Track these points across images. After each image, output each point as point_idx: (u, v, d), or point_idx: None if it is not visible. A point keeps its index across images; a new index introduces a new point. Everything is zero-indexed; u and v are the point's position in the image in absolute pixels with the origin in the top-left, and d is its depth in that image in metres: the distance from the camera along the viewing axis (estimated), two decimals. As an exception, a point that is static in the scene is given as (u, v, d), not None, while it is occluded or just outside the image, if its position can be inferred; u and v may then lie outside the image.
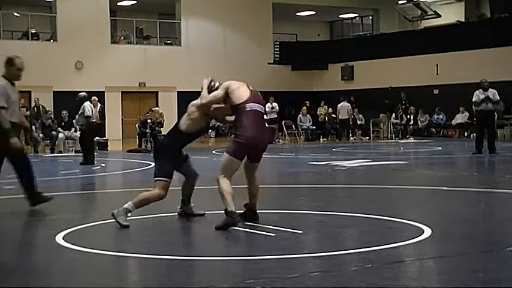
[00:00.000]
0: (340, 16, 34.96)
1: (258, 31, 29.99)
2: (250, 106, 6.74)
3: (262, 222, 6.78)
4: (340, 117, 26.07)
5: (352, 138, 26.16)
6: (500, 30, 24.88)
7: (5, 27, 26.76)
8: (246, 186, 6.99)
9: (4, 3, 27.71)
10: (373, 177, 12.10)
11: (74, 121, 20.21)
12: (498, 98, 16.47)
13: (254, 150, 6.78)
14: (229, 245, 6.14)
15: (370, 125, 26.76)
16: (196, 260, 5.54)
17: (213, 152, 17.92)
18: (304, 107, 26.15)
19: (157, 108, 23.29)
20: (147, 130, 21.11)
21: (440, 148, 19.54)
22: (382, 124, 27.09)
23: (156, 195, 6.89)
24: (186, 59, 28.29)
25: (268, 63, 30.37)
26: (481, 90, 16.24)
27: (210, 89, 7.05)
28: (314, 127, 26.23)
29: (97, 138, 18.94)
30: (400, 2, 30.39)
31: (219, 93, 6.91)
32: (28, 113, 22.74)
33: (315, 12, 33.26)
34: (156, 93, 28.36)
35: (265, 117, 7.04)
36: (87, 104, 15.41)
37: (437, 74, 26.03)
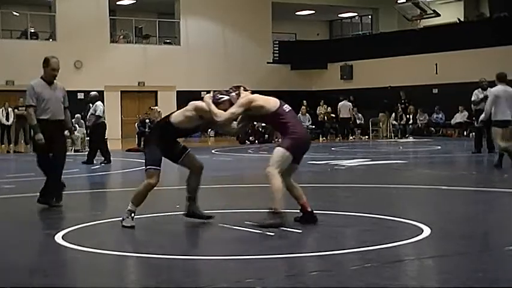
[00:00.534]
0: (339, 15, 34.96)
1: (257, 30, 29.99)
2: (287, 107, 6.76)
3: (262, 222, 6.77)
4: (341, 116, 26.05)
5: (351, 138, 26.17)
6: (500, 30, 24.88)
7: (4, 26, 26.77)
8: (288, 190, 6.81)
9: (3, 3, 27.68)
10: (372, 177, 12.11)
11: (80, 120, 20.32)
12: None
13: (305, 146, 6.79)
14: (229, 244, 6.14)
15: (370, 125, 26.77)
16: (196, 259, 5.54)
17: (213, 151, 17.91)
18: (303, 106, 26.17)
19: (156, 108, 23.30)
20: (146, 129, 21.11)
21: (439, 147, 19.55)
22: (381, 123, 27.09)
23: (147, 185, 6.73)
24: (185, 59, 28.29)
25: (268, 63, 30.37)
26: (480, 89, 16.23)
27: (216, 103, 6.76)
28: (313, 126, 26.24)
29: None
30: (399, 1, 30.39)
31: (237, 110, 6.66)
32: (26, 112, 22.74)
33: (314, 12, 33.27)
34: (156, 92, 28.37)
35: None
36: (99, 103, 15.55)
37: (436, 73, 26.04)
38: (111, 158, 15.46)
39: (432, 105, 26.10)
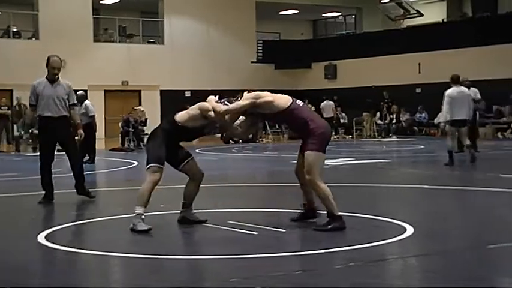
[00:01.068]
0: (323, 15, 35.03)
1: (241, 30, 29.98)
2: (299, 103, 6.59)
3: (246, 221, 6.78)
4: (324, 116, 26.08)
5: (335, 137, 26.22)
6: (482, 30, 25.05)
7: (-14, 25, 26.59)
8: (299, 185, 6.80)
9: (-15, 1, 27.51)
10: (356, 176, 12.15)
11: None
12: (479, 96, 16.57)
13: (329, 137, 6.61)
14: (214, 244, 6.14)
15: (353, 124, 26.84)
16: (180, 259, 5.53)
17: (197, 150, 17.89)
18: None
19: (139, 107, 23.23)
20: (130, 129, 21.05)
21: (422, 146, 19.65)
22: (365, 123, 27.18)
23: (151, 183, 6.50)
24: (169, 58, 28.23)
25: (252, 62, 30.38)
26: (462, 89, 16.31)
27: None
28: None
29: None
30: (382, 1, 30.52)
31: (242, 103, 6.51)
32: (9, 111, 22.59)
33: (298, 11, 33.31)
34: (139, 92, 28.28)
35: None
36: (88, 103, 15.55)
37: (419, 72, 26.16)
38: (95, 158, 15.40)
39: (415, 104, 26.23)
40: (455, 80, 13.49)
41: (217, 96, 6.75)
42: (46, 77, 8.76)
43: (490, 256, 5.52)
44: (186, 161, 6.80)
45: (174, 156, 6.73)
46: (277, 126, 25.91)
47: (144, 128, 21.81)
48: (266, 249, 5.68)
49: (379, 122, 26.85)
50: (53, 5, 26.44)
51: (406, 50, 26.62)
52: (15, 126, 22.98)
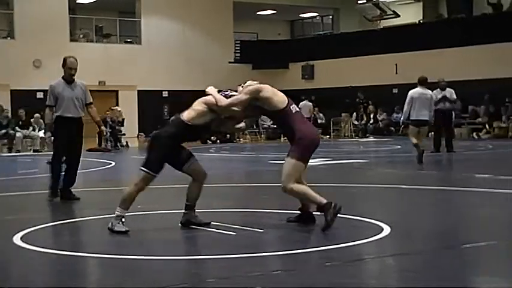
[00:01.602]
0: (300, 15, 35.11)
1: (218, 30, 29.95)
2: (294, 107, 6.56)
3: (224, 221, 6.78)
4: (302, 116, 26.15)
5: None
6: (458, 31, 25.27)
7: (-40, 24, 26.29)
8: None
9: (-41, 0, 27.20)
10: (334, 176, 12.19)
11: (39, 120, 20.04)
12: (455, 97, 16.73)
13: (315, 147, 6.61)
14: (191, 245, 6.13)
15: (331, 124, 26.93)
16: (157, 259, 5.51)
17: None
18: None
19: (116, 107, 23.13)
20: (108, 129, 20.95)
21: (399, 147, 19.77)
22: (343, 123, 27.28)
23: (136, 189, 6.45)
24: (146, 58, 28.12)
25: (229, 62, 30.35)
26: (438, 89, 16.47)
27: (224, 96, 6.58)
28: (275, 126, 26.27)
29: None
30: (359, 2, 30.68)
31: (243, 97, 6.45)
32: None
33: (275, 11, 33.36)
34: (116, 92, 28.13)
35: None
36: None
37: (396, 73, 26.32)
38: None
39: (392, 105, 26.37)
40: (421, 82, 14.10)
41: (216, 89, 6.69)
42: (62, 78, 8.91)
43: (466, 255, 5.58)
44: (189, 162, 6.67)
45: (177, 157, 6.59)
46: (254, 126, 25.93)
47: (122, 128, 21.74)
48: (244, 249, 5.68)
49: (355, 122, 26.97)
50: (29, 4, 26.20)
51: (383, 50, 26.77)
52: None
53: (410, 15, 30.51)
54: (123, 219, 6.41)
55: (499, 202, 8.51)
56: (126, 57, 27.99)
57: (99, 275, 5.23)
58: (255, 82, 6.65)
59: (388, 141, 22.94)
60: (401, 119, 14.60)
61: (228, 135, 24.26)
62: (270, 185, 10.92)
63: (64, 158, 8.90)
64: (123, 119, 21.85)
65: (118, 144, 21.20)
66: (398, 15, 29.59)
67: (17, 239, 6.15)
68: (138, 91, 27.86)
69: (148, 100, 27.06)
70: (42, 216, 7.77)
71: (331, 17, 34.53)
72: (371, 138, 24.98)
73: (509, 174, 11.07)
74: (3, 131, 20.46)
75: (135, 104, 27.59)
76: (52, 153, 8.98)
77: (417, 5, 31.57)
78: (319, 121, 27.27)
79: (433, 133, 16.95)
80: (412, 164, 13.81)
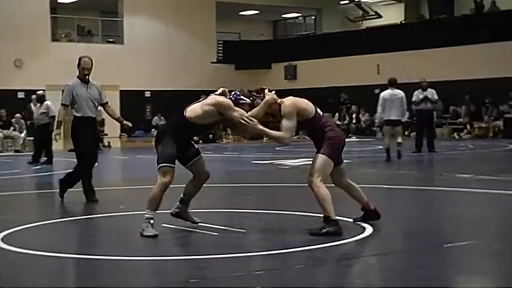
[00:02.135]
0: (283, 16, 35.15)
1: (201, 30, 29.91)
2: (319, 111, 6.55)
3: (206, 222, 6.77)
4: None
5: (295, 138, 26.33)
6: (439, 31, 25.43)
7: None
8: (347, 192, 6.78)
9: None
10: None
11: (20, 120, 19.88)
12: (437, 97, 16.83)
13: (342, 148, 6.58)
14: (172, 245, 6.12)
15: (313, 124, 26.94)
16: (140, 260, 5.50)
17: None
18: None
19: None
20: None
21: (381, 147, 19.81)
22: (326, 123, 27.31)
23: (161, 185, 6.25)
24: (129, 58, 28.01)
25: (212, 62, 30.32)
26: (420, 90, 16.57)
27: (236, 102, 6.34)
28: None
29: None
30: (342, 2, 30.76)
31: (292, 123, 6.30)
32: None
33: (258, 12, 33.37)
34: (98, 91, 27.99)
35: None
36: (49, 103, 15.43)
37: (378, 73, 26.42)
38: (53, 159, 15.24)
39: (374, 105, 26.37)
40: (391, 83, 14.78)
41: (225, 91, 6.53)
42: (78, 77, 8.96)
43: (447, 255, 5.61)
44: (195, 159, 6.57)
45: (184, 153, 6.48)
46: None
47: (103, 128, 21.62)
48: (226, 249, 5.68)
49: (338, 122, 27.04)
50: (9, 3, 26.00)
51: (365, 51, 26.86)
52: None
53: (393, 15, 30.64)
54: (152, 222, 6.24)
55: (479, 202, 8.58)
56: (108, 57, 27.83)
57: (78, 276, 5.20)
58: (272, 92, 6.47)
59: (371, 141, 23.03)
60: (376, 120, 15.31)
61: (210, 136, 24.25)
62: (252, 185, 10.93)
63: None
64: (103, 119, 21.73)
65: (100, 144, 21.09)
66: (380, 16, 29.71)
67: (-3, 240, 6.11)
68: (121, 91, 27.73)
69: (130, 100, 26.94)
70: (24, 216, 7.71)
71: (313, 17, 34.60)
72: (353, 139, 25.07)
73: (489, 174, 11.16)
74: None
75: (117, 104, 27.42)
76: (76, 154, 8.91)
77: (399, 5, 31.72)
78: (301, 121, 27.33)
79: (414, 133, 17.04)
80: (394, 164, 13.88)
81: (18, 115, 20.94)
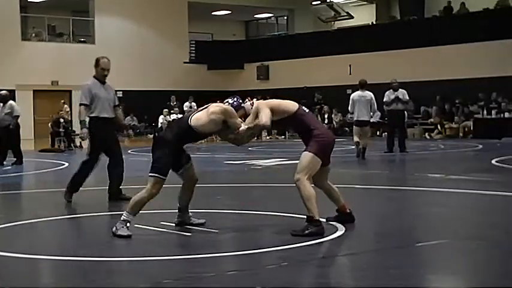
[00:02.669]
0: (255, 16, 35.20)
1: (173, 30, 29.84)
2: (305, 109, 6.53)
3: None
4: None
5: (268, 138, 26.38)
6: (410, 32, 25.65)
7: None
8: (325, 193, 6.74)
9: None
10: (288, 176, 12.13)
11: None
12: (408, 98, 16.96)
13: (332, 147, 6.59)
14: (146, 245, 6.09)
15: (286, 124, 26.98)
16: (112, 260, 5.47)
17: (129, 151, 17.71)
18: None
19: (65, 106, 22.78)
20: (61, 129, 20.71)
21: (353, 147, 19.93)
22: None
23: (148, 195, 6.26)
24: (100, 58, 27.83)
25: (184, 63, 30.27)
26: (391, 90, 16.68)
27: (236, 108, 6.38)
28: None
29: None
30: (314, 3, 30.89)
31: (267, 122, 6.25)
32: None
33: (230, 12, 33.38)
34: (70, 92, 27.77)
35: None
36: (14, 103, 15.22)
37: (350, 74, 26.57)
38: (23, 159, 15.05)
39: (346, 105, 26.46)
40: (361, 85, 15.36)
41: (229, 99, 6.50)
42: (96, 78, 8.87)
43: (418, 254, 5.66)
44: (187, 165, 6.60)
45: (178, 160, 6.49)
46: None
47: (74, 128, 21.42)
48: (199, 249, 5.68)
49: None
50: (-21, 2, 25.72)
51: (337, 51, 27.00)
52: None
53: (364, 16, 30.85)
54: (128, 224, 6.22)
55: (450, 201, 8.66)
56: (79, 57, 27.64)
57: (52, 277, 5.16)
58: (263, 102, 6.51)
59: (343, 141, 23.11)
60: (348, 120, 16.22)
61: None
62: (224, 185, 10.92)
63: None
64: (71, 120, 21.57)
65: (72, 144, 20.93)
66: (352, 17, 29.90)
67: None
68: (92, 91, 27.56)
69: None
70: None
71: (285, 17, 34.70)
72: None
73: (460, 174, 11.28)
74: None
75: (88, 104, 27.25)
76: (88, 152, 8.80)
77: (370, 6, 31.95)
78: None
79: (386, 133, 17.16)
80: (366, 164, 13.96)
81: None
